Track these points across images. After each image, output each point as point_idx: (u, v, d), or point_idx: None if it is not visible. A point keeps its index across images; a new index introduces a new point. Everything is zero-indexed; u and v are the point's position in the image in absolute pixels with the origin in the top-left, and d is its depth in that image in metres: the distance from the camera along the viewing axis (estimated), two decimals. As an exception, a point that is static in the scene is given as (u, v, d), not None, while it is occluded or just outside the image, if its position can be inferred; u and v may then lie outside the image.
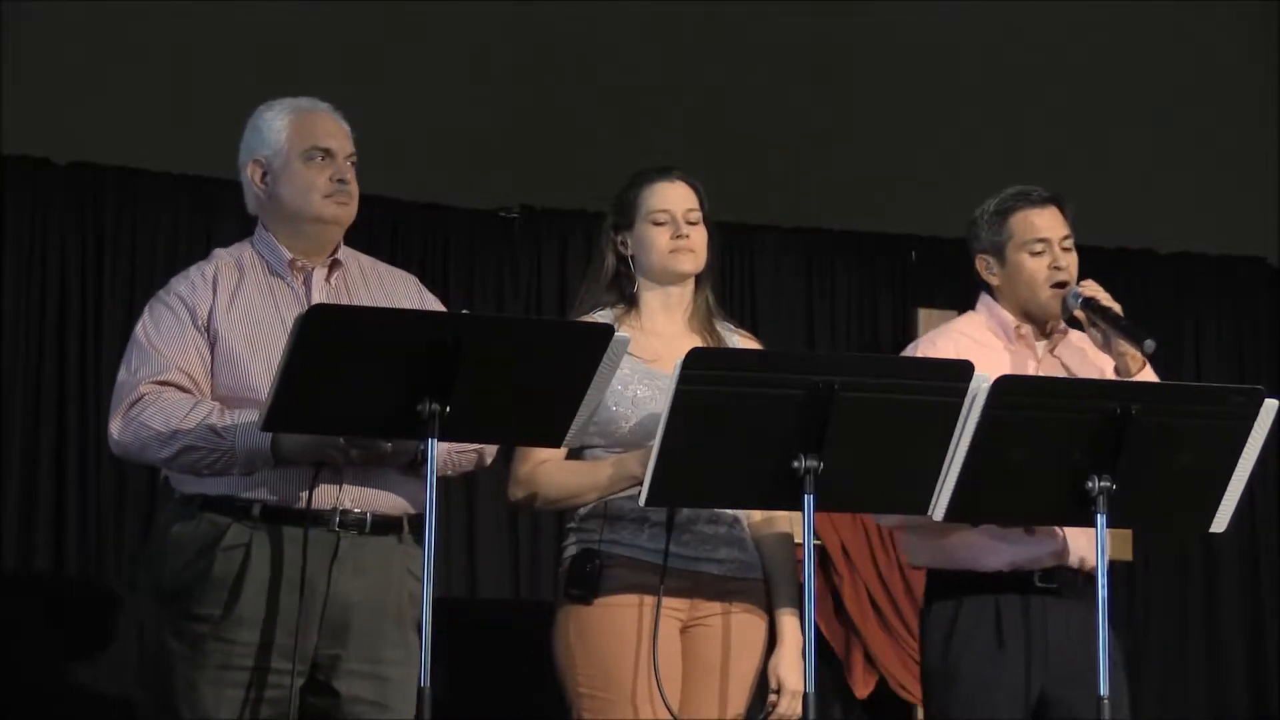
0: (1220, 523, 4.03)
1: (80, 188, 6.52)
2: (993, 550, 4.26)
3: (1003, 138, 7.37)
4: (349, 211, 4.14)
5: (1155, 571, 7.45)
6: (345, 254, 4.20)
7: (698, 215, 4.32)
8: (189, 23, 6.63)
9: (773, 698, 4.25)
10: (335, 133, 4.15)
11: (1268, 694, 7.50)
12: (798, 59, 7.35)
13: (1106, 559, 3.98)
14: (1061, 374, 4.38)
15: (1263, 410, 3.92)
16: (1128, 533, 6.21)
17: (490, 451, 4.19)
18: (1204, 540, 7.33)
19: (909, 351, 4.48)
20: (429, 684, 3.65)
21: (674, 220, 4.30)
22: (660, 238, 4.31)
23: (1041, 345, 4.42)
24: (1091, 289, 4.33)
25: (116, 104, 6.53)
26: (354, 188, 4.14)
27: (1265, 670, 7.52)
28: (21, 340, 6.37)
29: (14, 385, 6.34)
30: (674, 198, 4.32)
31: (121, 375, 4.03)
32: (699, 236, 4.32)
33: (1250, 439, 3.94)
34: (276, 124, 4.14)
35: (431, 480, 3.71)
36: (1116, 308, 4.31)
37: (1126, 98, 7.56)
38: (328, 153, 4.11)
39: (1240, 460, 3.95)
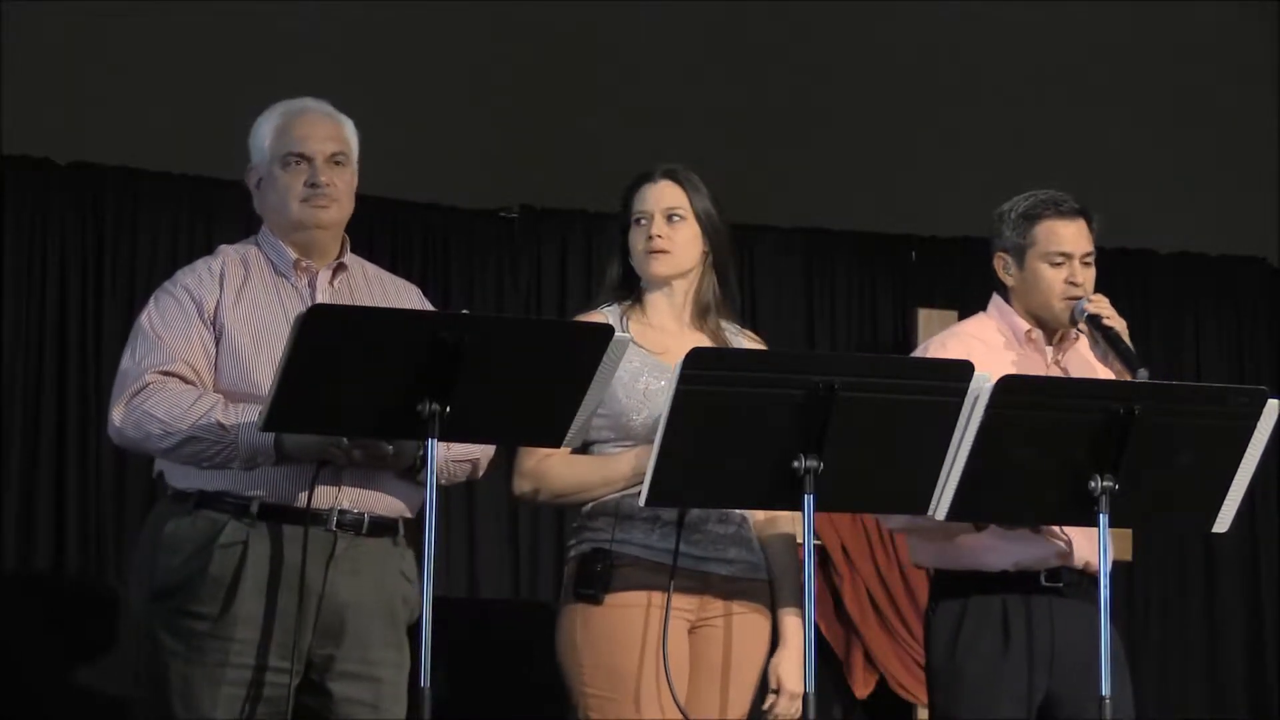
0: (1222, 523, 4.03)
1: (80, 188, 6.50)
2: (998, 550, 4.27)
3: (1003, 138, 7.36)
4: (330, 214, 4.11)
5: (1155, 571, 7.45)
6: (351, 259, 4.19)
7: (682, 213, 4.27)
8: (190, 23, 6.62)
9: (771, 698, 4.24)
10: (313, 135, 4.11)
11: (1268, 694, 7.49)
12: (797, 59, 7.34)
13: (1109, 559, 3.98)
14: None
15: (1265, 411, 3.93)
16: (1128, 533, 6.20)
17: (485, 462, 4.18)
18: (1204, 540, 7.32)
19: (919, 353, 4.47)
20: (429, 684, 3.64)
21: (648, 222, 4.27)
22: (638, 241, 4.29)
23: (1050, 351, 4.43)
24: (1098, 305, 4.33)
25: (116, 104, 6.52)
26: (336, 188, 4.09)
27: (1265, 670, 7.51)
28: (21, 340, 6.36)
29: (14, 385, 6.32)
30: (650, 198, 4.28)
31: (125, 363, 4.03)
32: (680, 236, 4.27)
33: (1253, 440, 3.95)
34: (263, 131, 4.14)
35: (432, 480, 3.71)
36: (1119, 326, 4.31)
37: (1127, 98, 7.55)
38: (302, 157, 4.09)
39: (1243, 461, 3.96)
